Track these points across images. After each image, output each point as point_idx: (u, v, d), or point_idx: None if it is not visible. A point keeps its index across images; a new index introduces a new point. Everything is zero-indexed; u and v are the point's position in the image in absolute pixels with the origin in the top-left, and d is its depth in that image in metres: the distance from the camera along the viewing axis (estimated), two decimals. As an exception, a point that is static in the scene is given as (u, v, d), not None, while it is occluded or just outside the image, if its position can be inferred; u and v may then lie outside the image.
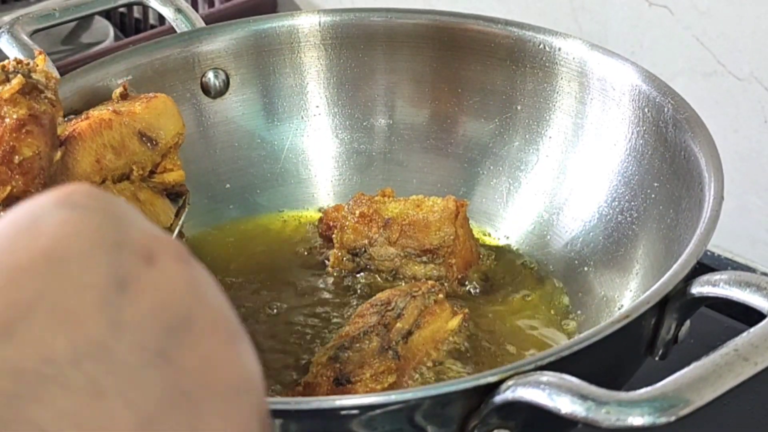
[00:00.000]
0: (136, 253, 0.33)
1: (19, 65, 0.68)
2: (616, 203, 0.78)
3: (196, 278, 0.34)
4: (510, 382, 0.51)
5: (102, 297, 0.31)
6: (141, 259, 0.33)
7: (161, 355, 0.31)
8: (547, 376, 0.50)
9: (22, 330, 0.30)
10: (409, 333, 0.68)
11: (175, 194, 0.79)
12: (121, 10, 1.30)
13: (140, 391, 0.30)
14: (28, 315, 0.30)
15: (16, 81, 0.67)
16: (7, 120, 0.66)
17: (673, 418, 0.46)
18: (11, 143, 0.65)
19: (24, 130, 0.66)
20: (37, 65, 0.69)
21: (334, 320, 0.76)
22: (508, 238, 0.85)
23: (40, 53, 0.73)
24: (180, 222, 0.76)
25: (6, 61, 0.69)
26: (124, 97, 0.80)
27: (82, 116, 0.76)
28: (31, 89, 0.67)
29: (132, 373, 0.31)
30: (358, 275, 0.79)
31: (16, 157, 0.65)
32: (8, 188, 0.65)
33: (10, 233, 0.32)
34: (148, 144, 0.78)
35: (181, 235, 0.76)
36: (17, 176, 0.65)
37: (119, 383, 0.30)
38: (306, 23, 0.90)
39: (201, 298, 0.34)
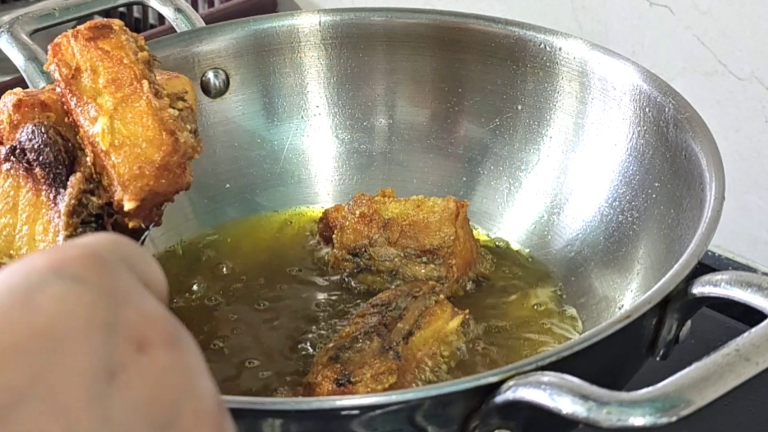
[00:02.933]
0: (127, 339, 0.33)
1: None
2: (617, 203, 0.78)
3: (185, 367, 0.34)
4: (511, 383, 0.51)
5: (92, 387, 0.31)
6: (132, 345, 0.33)
7: None
8: (548, 377, 0.49)
9: (15, 419, 0.30)
10: (410, 333, 0.68)
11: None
12: (121, 9, 1.30)
13: None
14: (21, 402, 0.30)
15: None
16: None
17: (674, 419, 0.46)
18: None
19: None
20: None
21: (335, 320, 0.76)
22: (508, 238, 0.85)
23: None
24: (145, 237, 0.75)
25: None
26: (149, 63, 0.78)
27: None
28: None
29: None
30: (358, 275, 0.79)
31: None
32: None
33: (5, 304, 0.32)
34: None
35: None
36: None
37: None
38: (306, 23, 0.90)
39: (188, 390, 0.34)
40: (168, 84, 0.74)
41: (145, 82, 0.64)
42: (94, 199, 0.64)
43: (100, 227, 0.65)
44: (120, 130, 0.63)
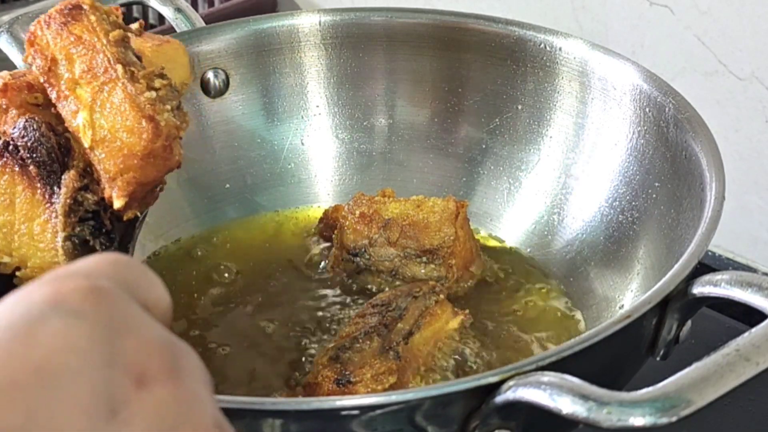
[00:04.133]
0: (127, 373, 0.33)
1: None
2: (617, 203, 0.78)
3: (183, 397, 0.34)
4: (511, 383, 0.50)
5: (92, 426, 0.31)
6: (132, 380, 0.33)
7: None
8: (548, 377, 0.49)
9: None
10: (410, 333, 0.68)
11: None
12: (121, 9, 1.30)
13: None
14: None
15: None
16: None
17: (674, 419, 0.46)
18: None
19: None
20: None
21: (335, 320, 0.76)
22: (508, 238, 0.85)
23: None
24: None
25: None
26: (138, 33, 0.73)
27: None
28: None
29: None
30: (358, 275, 0.79)
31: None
32: None
33: (4, 340, 0.32)
34: None
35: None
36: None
37: None
38: (306, 23, 0.90)
39: (186, 420, 0.34)
40: (159, 50, 0.72)
41: (119, 67, 0.62)
42: (89, 196, 0.63)
43: (98, 223, 0.64)
44: (101, 124, 0.61)
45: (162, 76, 0.64)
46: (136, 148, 0.60)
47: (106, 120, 0.61)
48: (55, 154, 0.63)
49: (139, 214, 0.64)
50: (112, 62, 0.62)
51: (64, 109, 0.63)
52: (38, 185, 0.63)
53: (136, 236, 0.68)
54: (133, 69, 0.63)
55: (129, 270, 0.37)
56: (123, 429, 0.32)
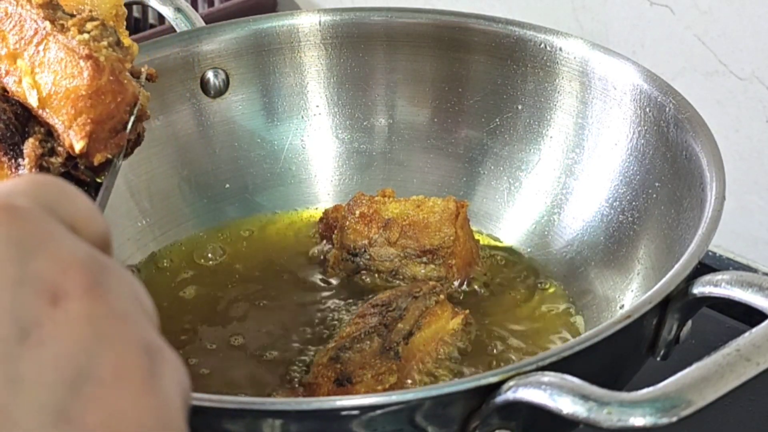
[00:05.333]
0: (40, 292, 0.31)
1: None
2: (617, 203, 0.78)
3: (104, 315, 0.32)
4: (511, 383, 0.50)
5: (2, 350, 0.30)
6: (45, 298, 0.31)
7: (61, 414, 0.30)
8: (549, 377, 0.49)
9: None
10: (410, 333, 0.68)
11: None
12: (121, 10, 1.30)
13: None
14: None
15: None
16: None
17: (674, 419, 0.46)
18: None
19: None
20: None
21: (335, 320, 0.76)
22: (508, 238, 0.85)
23: None
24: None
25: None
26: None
27: None
28: None
29: None
30: (357, 276, 0.79)
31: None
32: None
33: None
34: None
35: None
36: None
37: None
38: (306, 23, 0.90)
39: (107, 340, 0.32)
40: None
41: (47, 24, 0.61)
42: (53, 160, 0.62)
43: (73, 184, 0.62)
44: (44, 81, 0.60)
45: (92, 19, 0.63)
46: (81, 89, 0.59)
47: (48, 76, 0.60)
48: (13, 125, 0.62)
49: (109, 155, 0.62)
50: (39, 22, 0.61)
51: (9, 83, 0.62)
52: (3, 159, 0.62)
53: (110, 185, 0.65)
54: (62, 22, 0.62)
55: (52, 189, 0.35)
56: (36, 350, 0.30)
